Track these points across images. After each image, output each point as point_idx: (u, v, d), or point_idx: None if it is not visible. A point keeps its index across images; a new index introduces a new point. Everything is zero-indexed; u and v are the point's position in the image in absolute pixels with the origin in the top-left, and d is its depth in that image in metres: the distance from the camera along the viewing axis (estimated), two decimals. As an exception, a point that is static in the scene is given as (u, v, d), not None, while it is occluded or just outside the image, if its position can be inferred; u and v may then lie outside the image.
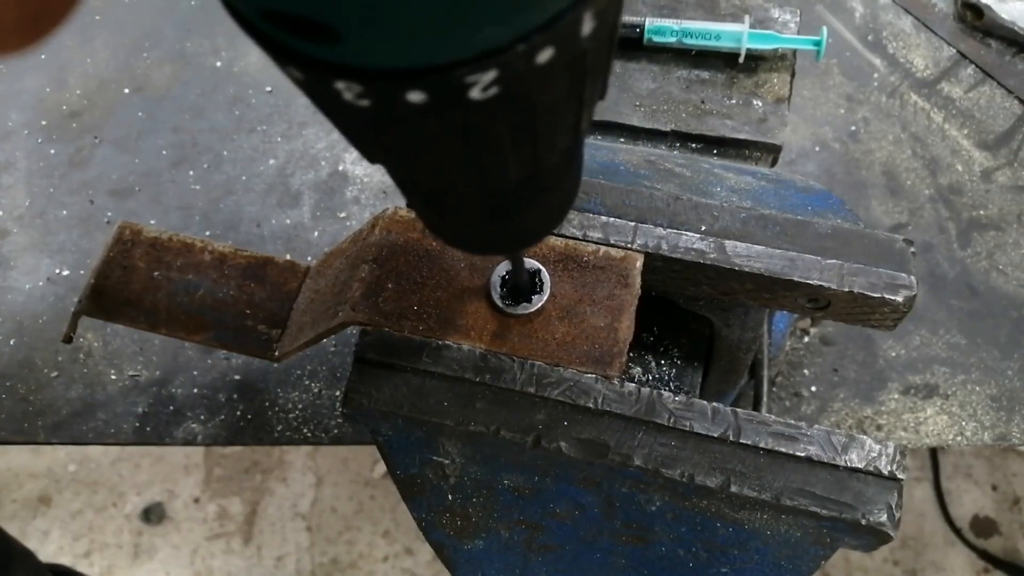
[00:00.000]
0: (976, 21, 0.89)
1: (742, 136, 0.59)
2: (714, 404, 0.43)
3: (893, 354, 0.76)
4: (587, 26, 0.20)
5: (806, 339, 0.77)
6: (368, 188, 0.83)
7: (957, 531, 1.43)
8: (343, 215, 0.81)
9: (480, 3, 0.18)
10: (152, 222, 0.80)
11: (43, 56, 0.91)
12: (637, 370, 0.55)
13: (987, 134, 0.85)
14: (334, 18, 0.18)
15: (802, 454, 0.41)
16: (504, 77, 0.20)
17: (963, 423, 0.73)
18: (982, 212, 0.81)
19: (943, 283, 0.78)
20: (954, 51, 0.89)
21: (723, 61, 0.63)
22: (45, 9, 0.20)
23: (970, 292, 0.78)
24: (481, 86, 0.20)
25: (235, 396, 0.72)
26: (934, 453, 1.46)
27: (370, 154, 0.26)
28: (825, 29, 0.61)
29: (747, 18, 0.62)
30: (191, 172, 0.84)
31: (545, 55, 0.20)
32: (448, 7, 0.18)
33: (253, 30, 0.20)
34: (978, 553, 1.41)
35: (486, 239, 0.35)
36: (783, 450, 0.41)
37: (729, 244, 0.46)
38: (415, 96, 0.20)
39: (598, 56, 0.23)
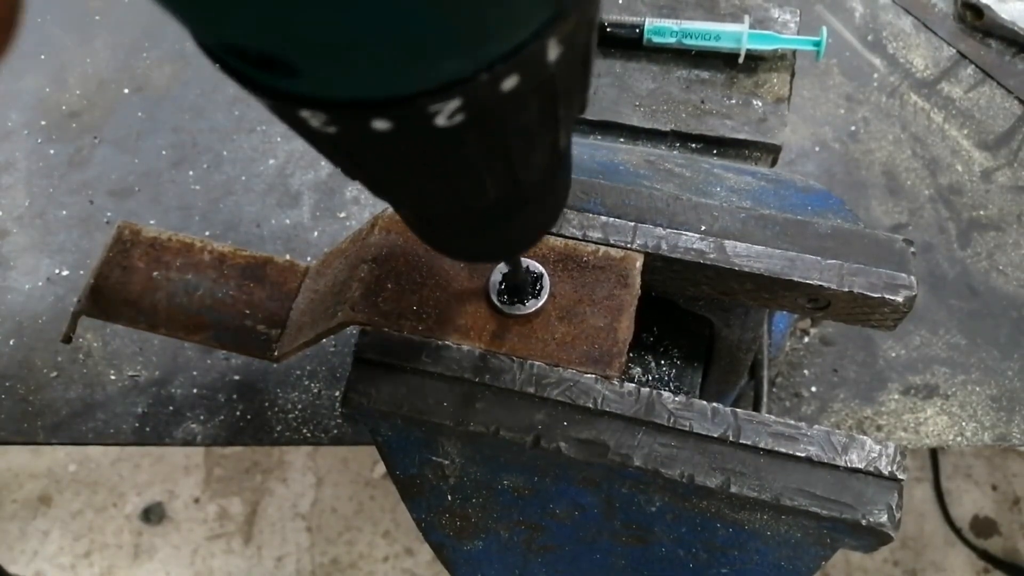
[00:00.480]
0: (976, 21, 0.89)
1: (742, 136, 0.59)
2: (714, 404, 0.43)
3: (893, 354, 0.76)
4: (553, 52, 0.20)
5: (806, 339, 0.77)
6: (368, 188, 0.83)
7: (957, 531, 1.43)
8: (343, 215, 0.81)
9: (435, 41, 0.18)
10: (152, 222, 0.80)
11: (43, 56, 0.91)
12: (637, 370, 0.55)
13: (987, 134, 0.85)
14: (288, 54, 0.18)
15: (802, 454, 0.41)
16: (469, 104, 0.20)
17: (963, 423, 0.73)
18: (982, 212, 0.81)
19: (943, 283, 0.78)
20: (954, 51, 0.89)
21: (723, 61, 0.62)
22: None
23: (970, 292, 0.78)
24: (446, 114, 0.20)
25: (235, 396, 0.72)
26: (934, 453, 1.46)
27: (347, 173, 0.26)
28: (825, 29, 0.61)
29: (747, 18, 0.62)
30: (191, 172, 0.84)
31: (510, 82, 0.20)
32: (401, 46, 0.17)
33: (218, 60, 0.20)
34: (978, 553, 1.41)
35: (476, 248, 0.35)
36: (783, 450, 0.41)
37: (729, 244, 0.46)
38: (380, 124, 0.20)
39: (570, 78, 0.23)
